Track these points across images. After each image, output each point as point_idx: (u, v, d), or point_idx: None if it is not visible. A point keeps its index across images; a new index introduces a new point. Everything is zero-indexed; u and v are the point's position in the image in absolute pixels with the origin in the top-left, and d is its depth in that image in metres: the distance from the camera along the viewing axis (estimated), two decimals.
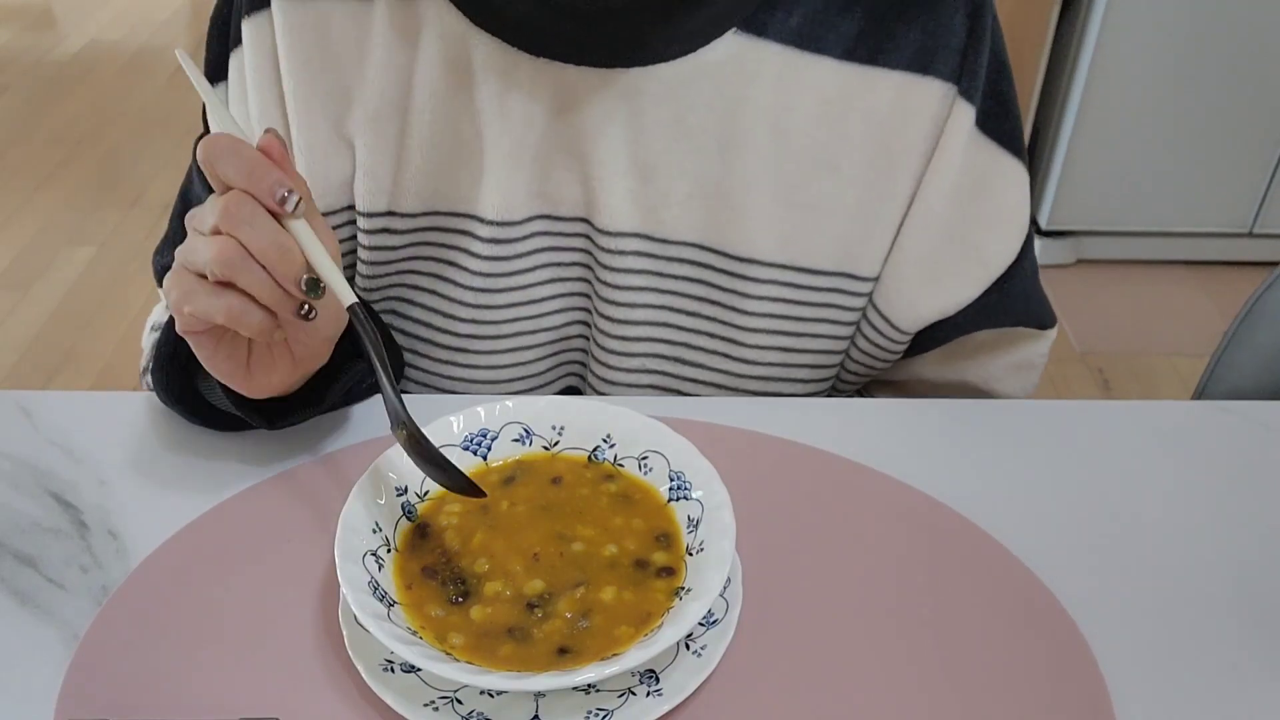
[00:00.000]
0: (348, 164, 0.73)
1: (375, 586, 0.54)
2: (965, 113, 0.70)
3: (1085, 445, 0.72)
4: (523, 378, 0.79)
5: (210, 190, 0.59)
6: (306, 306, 0.57)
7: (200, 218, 0.58)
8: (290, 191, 0.56)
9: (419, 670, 0.53)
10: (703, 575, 0.54)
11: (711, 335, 0.76)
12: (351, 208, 0.74)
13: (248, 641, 0.57)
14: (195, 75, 0.61)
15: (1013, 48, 0.73)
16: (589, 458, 0.63)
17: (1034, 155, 2.32)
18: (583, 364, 0.80)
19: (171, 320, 0.66)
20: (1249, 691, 0.56)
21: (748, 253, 0.72)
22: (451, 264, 0.75)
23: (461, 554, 0.58)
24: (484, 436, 0.63)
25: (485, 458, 0.63)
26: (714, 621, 0.56)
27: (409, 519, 0.60)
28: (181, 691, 0.54)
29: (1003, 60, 0.71)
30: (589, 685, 0.53)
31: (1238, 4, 2.06)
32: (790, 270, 0.73)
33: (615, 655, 0.51)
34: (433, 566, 0.57)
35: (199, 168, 0.58)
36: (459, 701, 0.53)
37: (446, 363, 0.78)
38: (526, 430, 0.64)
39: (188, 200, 0.78)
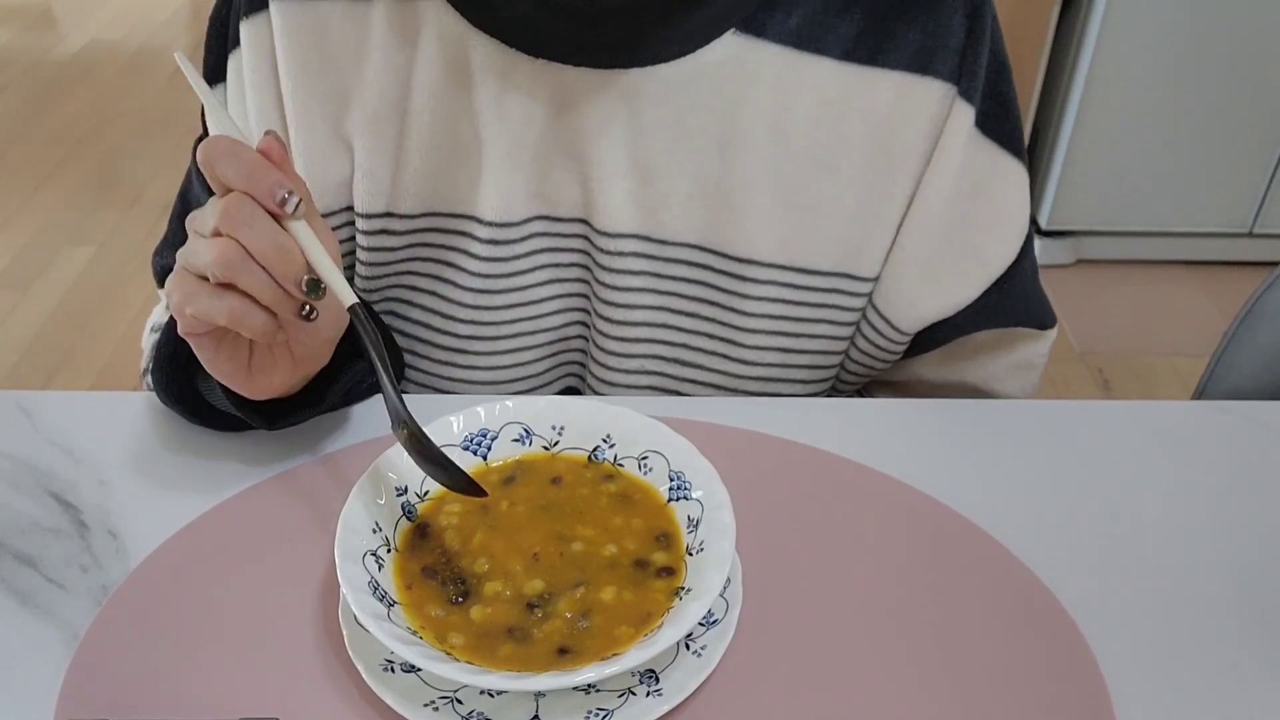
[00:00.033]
0: (346, 165, 0.73)
1: (375, 586, 0.54)
2: (965, 113, 0.70)
3: (1085, 445, 0.72)
4: (522, 378, 0.79)
5: (209, 192, 0.59)
6: (307, 307, 0.57)
7: (201, 220, 0.58)
8: (290, 193, 0.56)
9: (419, 670, 0.54)
10: (703, 575, 0.54)
11: (710, 336, 0.76)
12: (350, 209, 0.74)
13: (248, 641, 0.57)
14: (194, 78, 0.61)
15: (1013, 48, 0.73)
16: (589, 458, 0.63)
17: (1034, 155, 2.32)
18: (582, 364, 0.80)
19: (172, 321, 0.66)
20: (1249, 691, 0.56)
21: (747, 253, 0.72)
22: (450, 265, 0.75)
23: (461, 554, 0.58)
24: (484, 436, 0.63)
25: (485, 458, 0.63)
26: (714, 621, 0.56)
27: (409, 519, 0.60)
28: (181, 691, 0.54)
29: (1002, 60, 0.71)
30: (589, 685, 0.53)
31: (1238, 4, 2.06)
32: (789, 271, 0.73)
33: (615, 655, 0.51)
34: (433, 566, 0.57)
35: (198, 169, 0.58)
36: (459, 701, 0.53)
37: (446, 363, 0.78)
38: (526, 430, 0.64)
39: (187, 201, 0.78)
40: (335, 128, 0.72)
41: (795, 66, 0.69)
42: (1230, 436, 0.74)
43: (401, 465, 0.60)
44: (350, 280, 0.76)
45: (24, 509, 0.65)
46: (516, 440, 0.63)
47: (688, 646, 0.55)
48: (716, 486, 0.58)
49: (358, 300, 0.58)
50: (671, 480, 0.60)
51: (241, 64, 0.72)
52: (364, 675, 0.53)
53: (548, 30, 0.67)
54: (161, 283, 0.80)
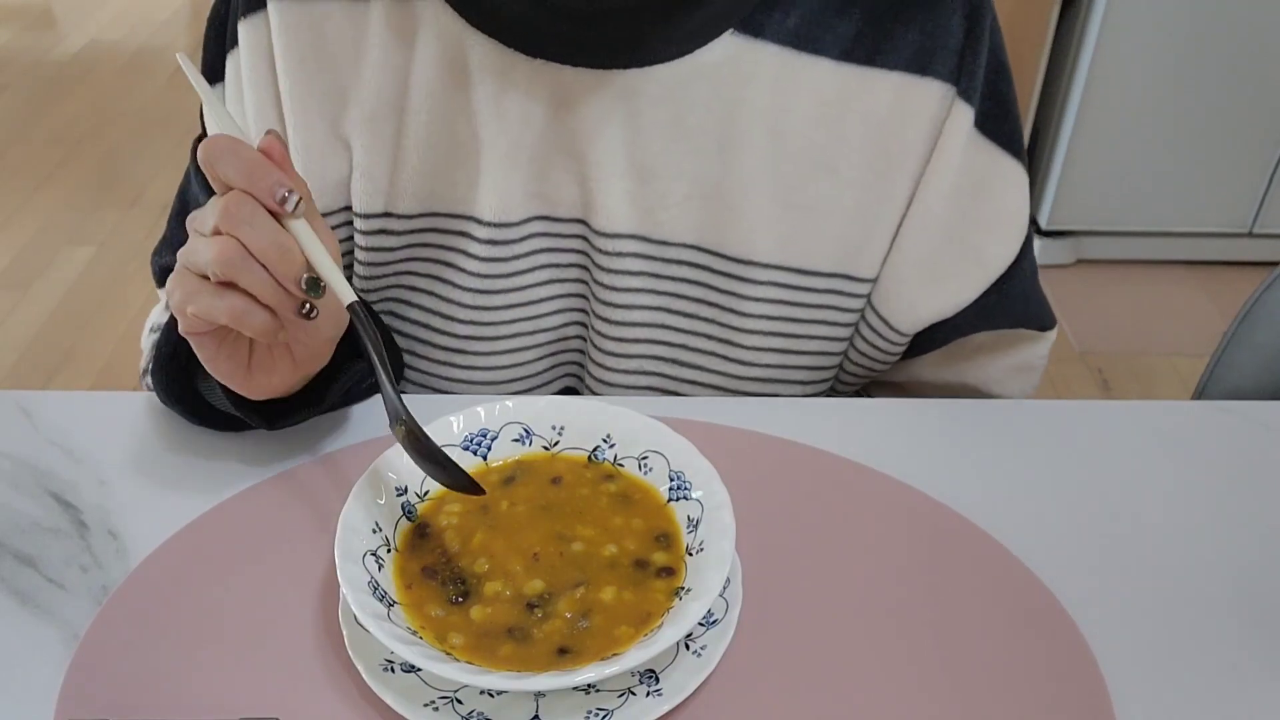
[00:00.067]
0: (344, 165, 0.73)
1: (375, 586, 0.54)
2: (964, 114, 0.70)
3: (1085, 445, 0.72)
4: (520, 378, 0.79)
5: (208, 191, 0.59)
6: (307, 305, 0.57)
7: (201, 219, 0.58)
8: (290, 191, 0.56)
9: (419, 670, 0.53)
10: (703, 575, 0.54)
11: (709, 337, 0.76)
12: (348, 208, 0.74)
13: (248, 641, 0.57)
14: (195, 77, 0.61)
15: (1013, 48, 0.73)
16: (589, 458, 0.63)
17: (1034, 155, 2.32)
18: (580, 364, 0.80)
19: (172, 321, 0.66)
20: (1249, 691, 0.56)
21: (745, 254, 0.72)
22: (449, 265, 0.75)
23: (461, 554, 0.58)
24: (484, 436, 0.63)
25: (485, 458, 0.63)
26: (714, 621, 0.56)
27: (409, 519, 0.60)
28: (181, 691, 0.54)
29: (1002, 61, 0.71)
30: (589, 685, 0.53)
31: (1238, 4, 2.06)
32: (788, 272, 0.73)
33: (615, 655, 0.51)
34: (433, 566, 0.57)
35: (197, 168, 0.58)
36: (459, 701, 0.53)
37: (444, 363, 0.78)
38: (526, 430, 0.64)
39: (185, 201, 0.78)
40: (333, 127, 0.72)
41: (793, 67, 0.69)
42: (1230, 436, 0.74)
43: (401, 465, 0.60)
44: (349, 280, 0.76)
45: (24, 509, 0.65)
46: (516, 440, 0.63)
47: (688, 646, 0.55)
48: (716, 486, 0.58)
49: (357, 298, 0.58)
50: (671, 480, 0.60)
51: (240, 63, 0.72)
52: (364, 675, 0.53)
53: (546, 30, 0.67)
54: (160, 282, 0.80)
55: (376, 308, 0.78)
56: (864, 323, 0.77)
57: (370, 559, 0.56)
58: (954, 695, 0.55)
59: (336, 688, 0.54)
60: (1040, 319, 0.78)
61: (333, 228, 0.73)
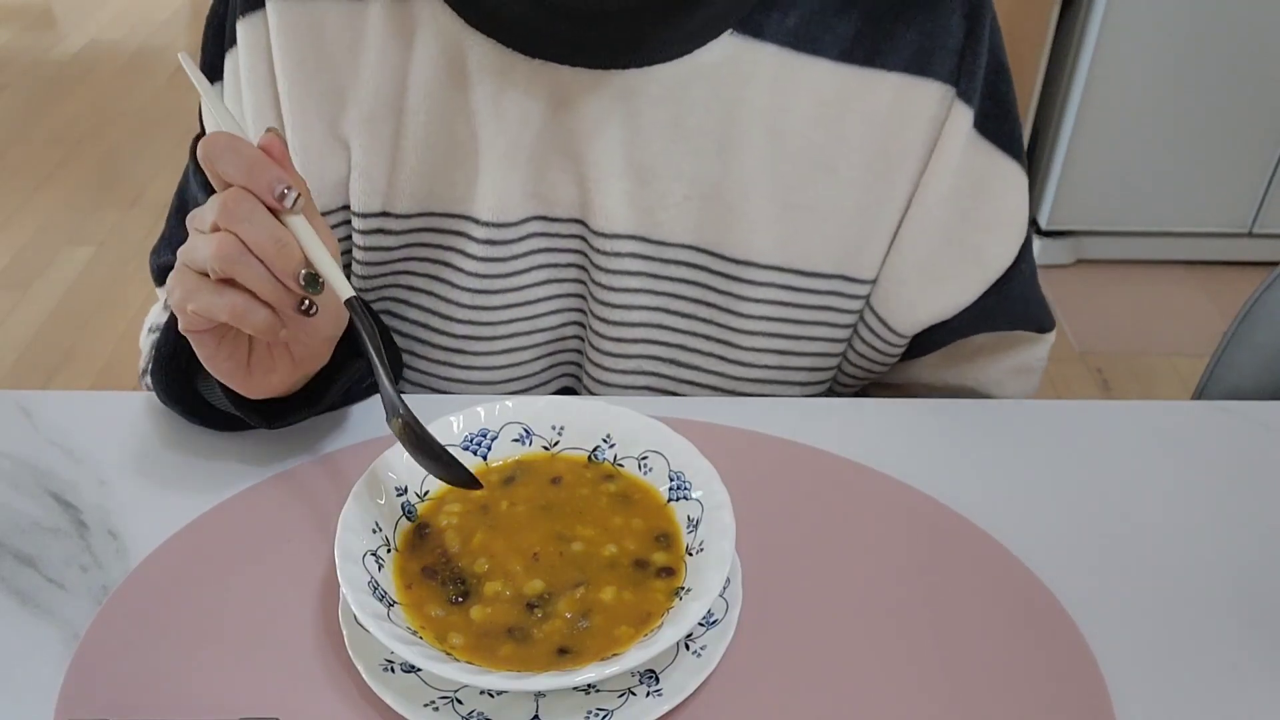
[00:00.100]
0: (343, 164, 0.73)
1: (375, 586, 0.54)
2: (963, 114, 0.70)
3: (1085, 445, 0.72)
4: (518, 378, 0.79)
5: (207, 190, 0.59)
6: (306, 302, 0.57)
7: (201, 217, 0.58)
8: (289, 188, 0.56)
9: (419, 670, 0.53)
10: (703, 575, 0.54)
11: (707, 338, 0.76)
12: (346, 208, 0.74)
13: (248, 641, 0.57)
14: (197, 76, 0.61)
15: (1013, 48, 0.73)
16: (589, 458, 0.63)
17: (1034, 155, 2.32)
18: (578, 365, 0.80)
19: (172, 320, 0.66)
20: (1249, 691, 0.56)
21: (744, 255, 0.72)
22: (447, 265, 0.75)
23: (461, 554, 0.58)
24: (484, 436, 0.63)
25: (485, 458, 0.63)
26: (714, 621, 0.56)
27: (409, 519, 0.60)
28: (181, 691, 0.54)
29: (1001, 61, 0.71)
30: (589, 685, 0.53)
31: (1238, 4, 2.06)
32: (787, 273, 0.73)
33: (615, 655, 0.51)
34: (433, 566, 0.57)
35: (196, 167, 0.58)
36: (459, 701, 0.53)
37: (443, 363, 0.78)
38: (526, 430, 0.64)
39: (184, 200, 0.78)
40: (331, 127, 0.72)
41: (792, 67, 0.68)
42: (1230, 436, 0.74)
43: (401, 465, 0.60)
44: (347, 279, 0.76)
45: (24, 509, 0.65)
46: (516, 440, 0.63)
47: (688, 646, 0.55)
48: (716, 486, 0.58)
49: (355, 294, 0.58)
50: (671, 480, 0.60)
51: (238, 63, 0.72)
52: (364, 675, 0.53)
53: (545, 30, 0.67)
54: (159, 281, 0.80)
55: (375, 307, 0.78)
56: (863, 324, 0.77)
57: (370, 559, 0.56)
58: (954, 695, 0.55)
59: (336, 688, 0.54)
60: (1039, 321, 0.78)
61: (331, 227, 0.73)
